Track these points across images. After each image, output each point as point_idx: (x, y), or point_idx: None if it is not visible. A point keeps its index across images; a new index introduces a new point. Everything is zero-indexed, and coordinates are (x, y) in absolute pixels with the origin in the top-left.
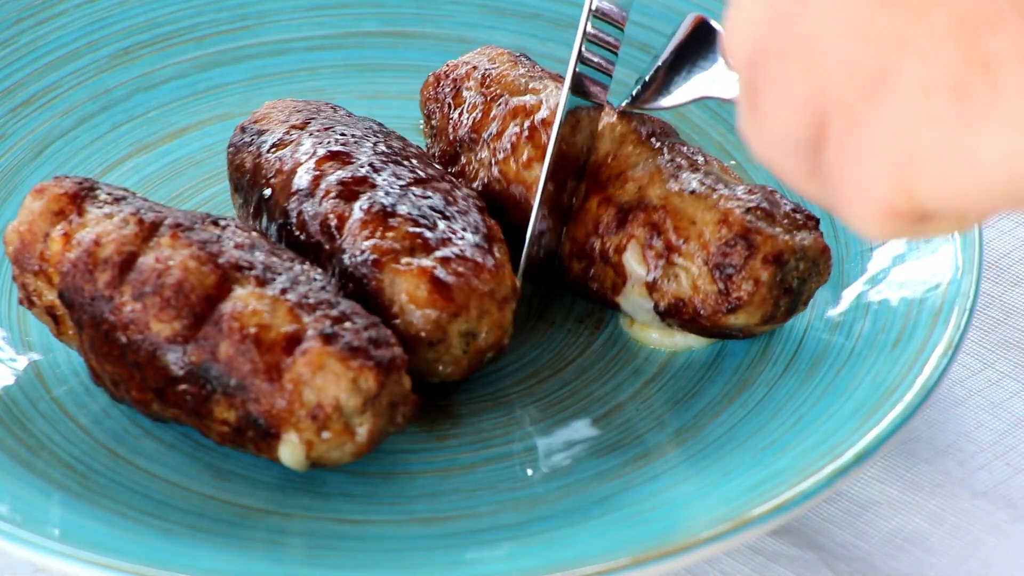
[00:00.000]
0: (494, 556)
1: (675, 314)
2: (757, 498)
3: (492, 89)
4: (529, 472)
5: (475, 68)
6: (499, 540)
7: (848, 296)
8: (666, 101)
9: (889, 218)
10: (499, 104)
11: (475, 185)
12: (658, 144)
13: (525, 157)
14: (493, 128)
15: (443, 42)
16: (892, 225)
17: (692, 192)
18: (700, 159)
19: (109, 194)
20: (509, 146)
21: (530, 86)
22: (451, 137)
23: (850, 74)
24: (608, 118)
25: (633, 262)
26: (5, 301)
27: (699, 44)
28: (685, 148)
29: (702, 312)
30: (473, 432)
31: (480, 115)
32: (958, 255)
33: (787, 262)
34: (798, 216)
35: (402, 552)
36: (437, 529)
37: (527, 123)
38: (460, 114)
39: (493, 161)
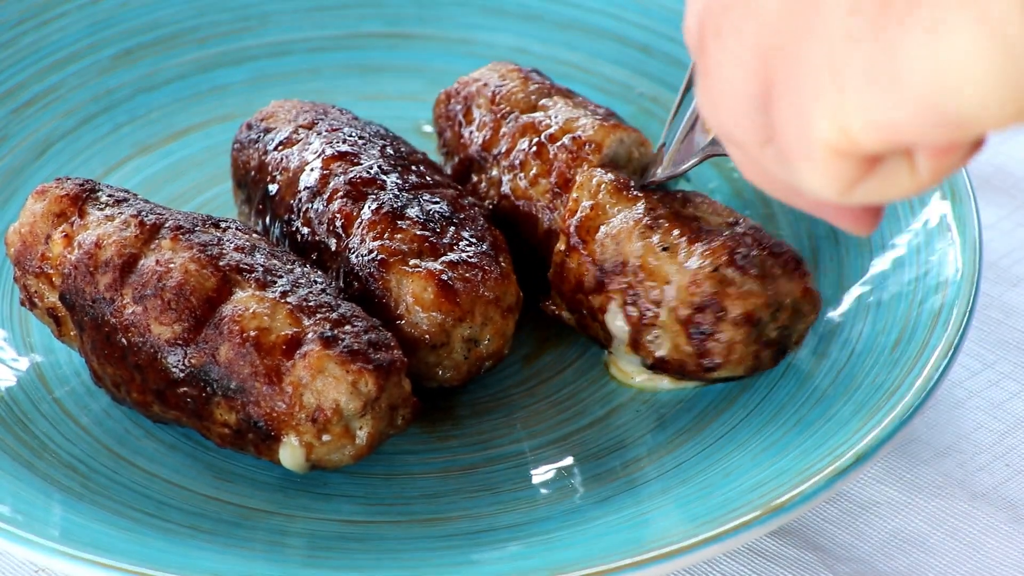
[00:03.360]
0: (495, 557)
1: (663, 369)
2: (757, 499)
3: (502, 107)
4: (530, 473)
5: (485, 85)
6: (500, 541)
7: (848, 297)
8: (675, 169)
9: (835, 161)
10: (508, 122)
11: (487, 204)
12: (636, 193)
13: (532, 174)
14: (503, 146)
15: (444, 43)
16: (841, 171)
17: (666, 249)
18: (683, 201)
19: (110, 196)
20: (518, 163)
21: (540, 103)
22: (463, 155)
23: (783, 11)
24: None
25: (615, 323)
26: (7, 302)
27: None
28: (666, 193)
29: (688, 368)
30: (474, 433)
31: (490, 133)
32: (957, 256)
33: (760, 319)
34: (776, 261)
35: (403, 553)
36: (438, 530)
37: (536, 139)
38: (471, 132)
39: (504, 179)
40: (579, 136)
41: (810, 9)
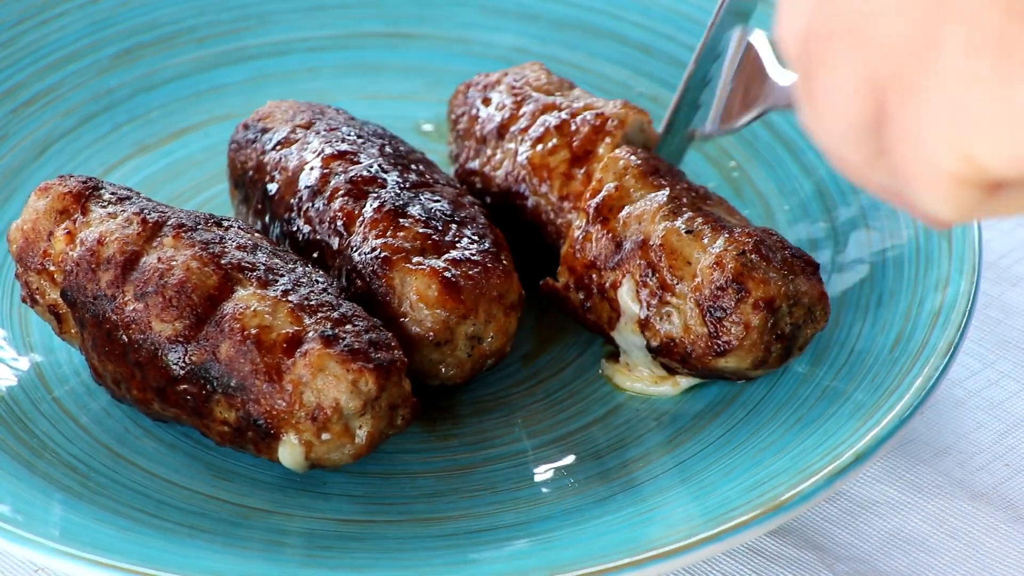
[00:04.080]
0: (494, 556)
1: (666, 353)
2: (756, 498)
3: (524, 90)
4: (529, 472)
5: (506, 74)
6: (499, 540)
7: (848, 297)
8: (730, 125)
9: (958, 189)
10: (528, 103)
11: (499, 174)
12: (661, 180)
13: (553, 144)
14: (522, 123)
15: (443, 42)
16: (963, 197)
17: (690, 232)
18: (703, 197)
19: (113, 193)
20: (537, 136)
21: (555, 92)
22: (477, 136)
23: (899, 47)
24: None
25: (627, 298)
26: (7, 301)
27: (748, 62)
28: (688, 186)
29: (692, 353)
30: (474, 432)
31: (510, 113)
32: (957, 255)
33: (779, 307)
34: (797, 260)
35: (402, 552)
36: (437, 529)
37: (559, 115)
38: (490, 113)
39: (520, 149)
40: (603, 112)
41: (928, 46)
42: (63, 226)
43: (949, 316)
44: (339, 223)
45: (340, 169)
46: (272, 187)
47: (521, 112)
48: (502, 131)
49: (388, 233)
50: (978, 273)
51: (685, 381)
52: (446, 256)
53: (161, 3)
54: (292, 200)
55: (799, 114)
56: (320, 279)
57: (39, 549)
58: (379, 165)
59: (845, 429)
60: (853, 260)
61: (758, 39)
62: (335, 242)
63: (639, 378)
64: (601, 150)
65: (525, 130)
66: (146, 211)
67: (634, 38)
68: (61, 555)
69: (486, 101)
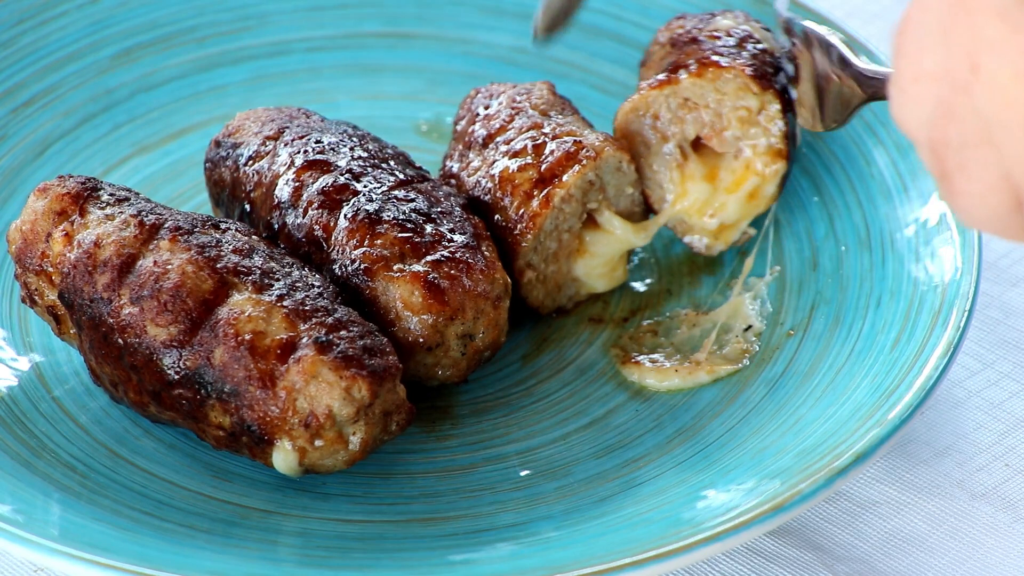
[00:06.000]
0: (493, 556)
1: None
2: (756, 498)
3: (522, 104)
4: (528, 473)
5: (514, 87)
6: (498, 540)
7: (847, 297)
8: (834, 123)
9: None
10: (520, 117)
11: (470, 180)
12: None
13: (525, 162)
14: (508, 135)
15: (443, 42)
16: None
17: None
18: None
19: (112, 195)
20: (515, 150)
21: (551, 112)
22: (466, 140)
23: None
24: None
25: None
26: (7, 301)
27: (829, 56)
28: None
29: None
30: (473, 432)
31: (499, 125)
32: (957, 255)
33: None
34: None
35: (402, 552)
36: (436, 529)
37: (540, 134)
38: (485, 119)
39: (498, 161)
40: (581, 141)
41: None
42: (61, 227)
43: (949, 316)
44: (317, 236)
45: (311, 180)
46: (248, 205)
47: (511, 125)
48: (487, 140)
49: (366, 242)
50: (978, 273)
51: (720, 369)
52: (426, 258)
53: (161, 3)
54: (269, 217)
55: (939, 192)
56: (316, 283)
57: (39, 549)
58: (350, 171)
59: (845, 429)
60: (852, 260)
61: (826, 33)
62: (314, 255)
63: (670, 372)
64: (567, 177)
65: (508, 142)
66: (143, 213)
67: (634, 38)
68: (61, 555)
69: (486, 107)
